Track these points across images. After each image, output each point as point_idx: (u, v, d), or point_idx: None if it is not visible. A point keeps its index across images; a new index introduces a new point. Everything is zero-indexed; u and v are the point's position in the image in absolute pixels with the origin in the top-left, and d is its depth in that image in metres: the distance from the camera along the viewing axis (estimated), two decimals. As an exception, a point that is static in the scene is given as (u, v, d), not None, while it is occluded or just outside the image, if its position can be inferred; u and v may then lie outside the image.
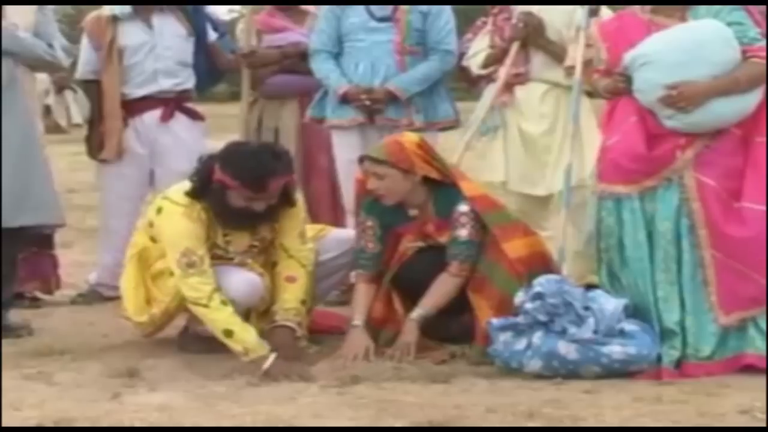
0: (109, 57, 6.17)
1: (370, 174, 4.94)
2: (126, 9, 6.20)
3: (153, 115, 6.21)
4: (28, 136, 5.40)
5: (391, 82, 5.87)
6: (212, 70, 6.45)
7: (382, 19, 5.93)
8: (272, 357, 4.64)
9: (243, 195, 4.76)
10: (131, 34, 6.19)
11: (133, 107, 6.20)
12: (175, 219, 4.88)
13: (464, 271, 4.88)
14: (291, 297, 4.95)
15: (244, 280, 4.91)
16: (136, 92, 6.19)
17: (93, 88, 6.26)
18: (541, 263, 4.90)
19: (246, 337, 4.71)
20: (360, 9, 5.96)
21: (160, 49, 6.18)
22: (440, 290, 4.89)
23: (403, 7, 5.93)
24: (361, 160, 5.04)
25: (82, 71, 6.34)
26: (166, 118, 6.20)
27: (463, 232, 4.89)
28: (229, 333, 4.71)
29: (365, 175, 5.03)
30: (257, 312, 5.07)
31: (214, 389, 4.44)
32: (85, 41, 6.32)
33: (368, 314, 5.03)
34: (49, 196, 5.46)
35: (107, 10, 6.23)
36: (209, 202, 4.85)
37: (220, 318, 4.74)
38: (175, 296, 4.91)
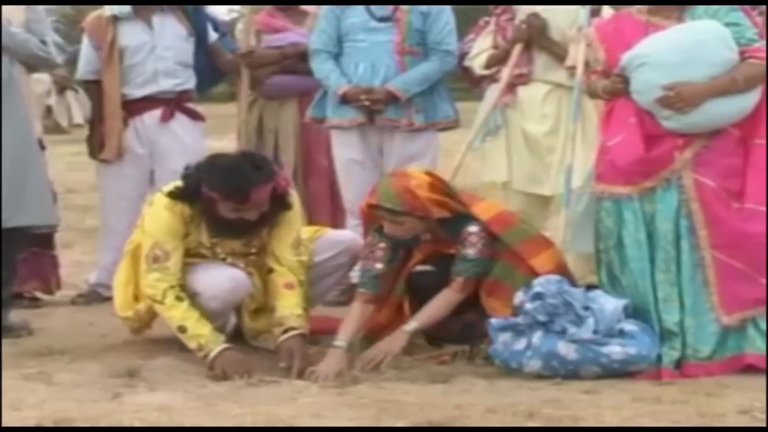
0: (109, 57, 6.17)
1: (386, 221, 4.89)
2: (126, 9, 6.20)
3: (153, 116, 6.22)
4: (24, 136, 5.39)
5: (391, 82, 5.87)
6: (213, 70, 6.45)
7: (382, 19, 5.93)
8: (220, 348, 4.67)
9: (229, 207, 4.76)
10: (132, 34, 6.20)
11: (133, 107, 6.20)
12: (157, 209, 4.92)
13: (468, 287, 4.86)
14: (294, 303, 4.91)
15: (227, 277, 4.89)
16: (137, 92, 6.19)
17: (93, 88, 6.27)
18: (564, 274, 4.86)
19: (200, 331, 4.72)
20: (360, 9, 5.96)
21: (160, 50, 6.18)
22: (441, 305, 4.86)
23: (404, 8, 5.93)
24: (374, 207, 4.94)
25: (82, 71, 6.34)
26: (166, 118, 6.21)
27: (472, 251, 4.86)
28: (182, 329, 4.75)
29: (372, 210, 4.98)
30: (248, 310, 5.07)
31: (214, 389, 4.44)
32: (85, 41, 6.32)
33: (372, 320, 5.03)
34: (44, 196, 5.45)
35: (107, 10, 6.23)
36: (203, 215, 4.85)
37: (174, 315, 4.76)
38: None
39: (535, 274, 4.75)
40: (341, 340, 4.80)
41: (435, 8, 5.95)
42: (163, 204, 4.89)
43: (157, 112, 6.22)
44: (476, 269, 4.86)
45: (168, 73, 6.20)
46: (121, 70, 6.17)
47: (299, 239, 5.05)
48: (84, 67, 6.32)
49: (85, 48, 6.32)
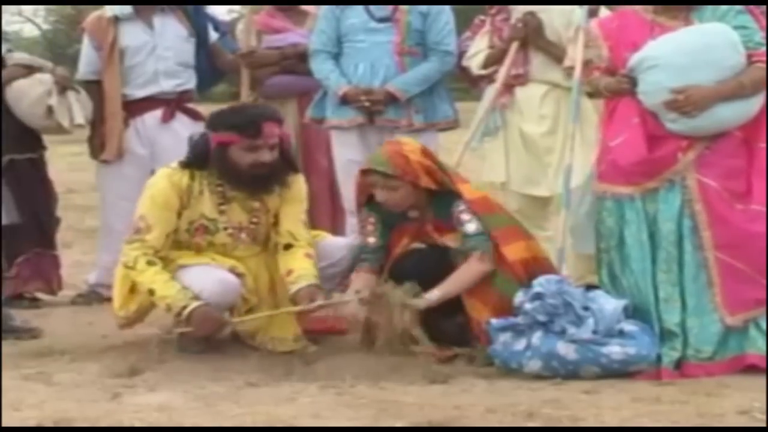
0: (110, 58, 6.17)
1: (379, 187, 4.92)
2: (127, 9, 6.20)
3: (154, 116, 6.22)
4: None
5: (390, 83, 5.87)
6: (213, 70, 6.46)
7: (381, 20, 5.93)
8: (194, 305, 4.72)
9: (244, 146, 4.83)
10: (132, 34, 6.20)
11: (134, 108, 6.20)
12: (157, 178, 5.01)
13: (487, 261, 4.81)
14: (313, 269, 4.92)
15: (218, 280, 4.87)
16: (137, 93, 6.20)
17: (94, 88, 6.26)
18: (540, 267, 4.87)
19: (167, 291, 4.76)
20: (359, 9, 5.97)
21: (160, 50, 6.19)
22: (464, 277, 4.81)
23: (403, 8, 5.93)
24: (366, 172, 4.98)
25: (83, 72, 6.33)
26: (167, 118, 6.21)
27: (472, 226, 4.86)
28: (152, 292, 4.80)
29: (366, 184, 5.00)
30: (239, 312, 5.04)
31: (213, 389, 4.44)
32: (86, 42, 6.33)
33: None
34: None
35: (108, 10, 6.23)
36: (217, 171, 4.91)
37: (144, 279, 4.82)
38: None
39: (515, 273, 4.75)
40: (349, 293, 4.90)
41: (434, 8, 5.95)
42: (165, 173, 4.98)
43: (157, 113, 6.22)
44: (486, 243, 4.82)
45: (168, 73, 6.21)
46: (121, 71, 6.18)
47: (307, 220, 5.09)
48: (84, 68, 6.32)
49: (86, 48, 6.32)
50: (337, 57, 6.01)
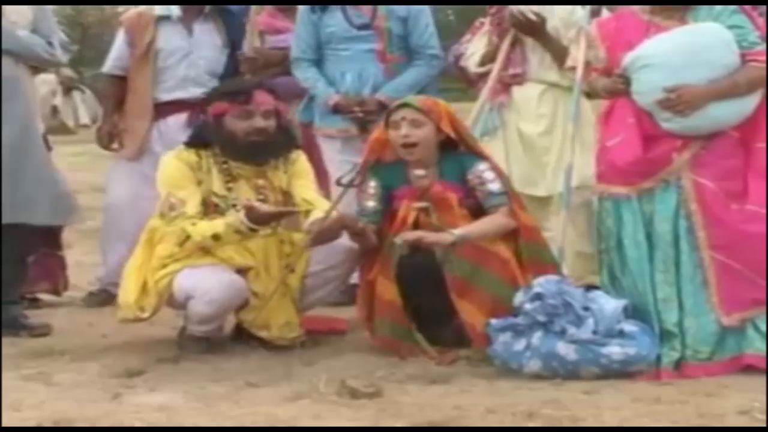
0: (145, 57, 6.12)
1: (405, 122, 4.98)
2: (175, 11, 6.15)
3: (178, 118, 6.18)
4: (26, 135, 5.37)
5: (381, 91, 5.86)
6: (236, 75, 6.41)
7: (361, 27, 5.91)
8: (242, 215, 4.81)
9: (236, 114, 4.95)
10: (169, 37, 6.15)
11: (159, 110, 6.17)
12: (165, 159, 5.07)
13: (512, 218, 4.91)
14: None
15: (225, 282, 4.88)
16: (164, 96, 6.14)
17: (117, 83, 6.20)
18: (535, 242, 4.96)
19: (224, 222, 4.84)
20: (338, 16, 5.93)
21: (194, 57, 6.15)
22: (491, 222, 4.89)
23: (381, 14, 5.90)
24: (400, 106, 5.05)
25: (110, 66, 6.27)
26: (192, 122, 6.17)
27: (496, 185, 4.97)
28: (216, 237, 4.86)
29: (381, 141, 5.05)
30: (250, 309, 5.03)
31: (213, 390, 4.44)
32: (120, 37, 6.26)
33: (368, 304, 5.01)
34: (43, 195, 5.42)
35: (156, 9, 6.16)
36: (214, 140, 5.00)
37: (203, 232, 4.86)
38: (158, 294, 4.93)
39: (508, 273, 4.77)
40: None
41: (413, 11, 5.91)
42: (170, 154, 5.07)
43: (182, 116, 6.17)
44: (509, 203, 4.94)
45: (197, 81, 6.12)
46: (154, 71, 6.13)
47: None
48: (113, 62, 6.26)
49: (119, 43, 6.26)
50: (318, 63, 5.99)
